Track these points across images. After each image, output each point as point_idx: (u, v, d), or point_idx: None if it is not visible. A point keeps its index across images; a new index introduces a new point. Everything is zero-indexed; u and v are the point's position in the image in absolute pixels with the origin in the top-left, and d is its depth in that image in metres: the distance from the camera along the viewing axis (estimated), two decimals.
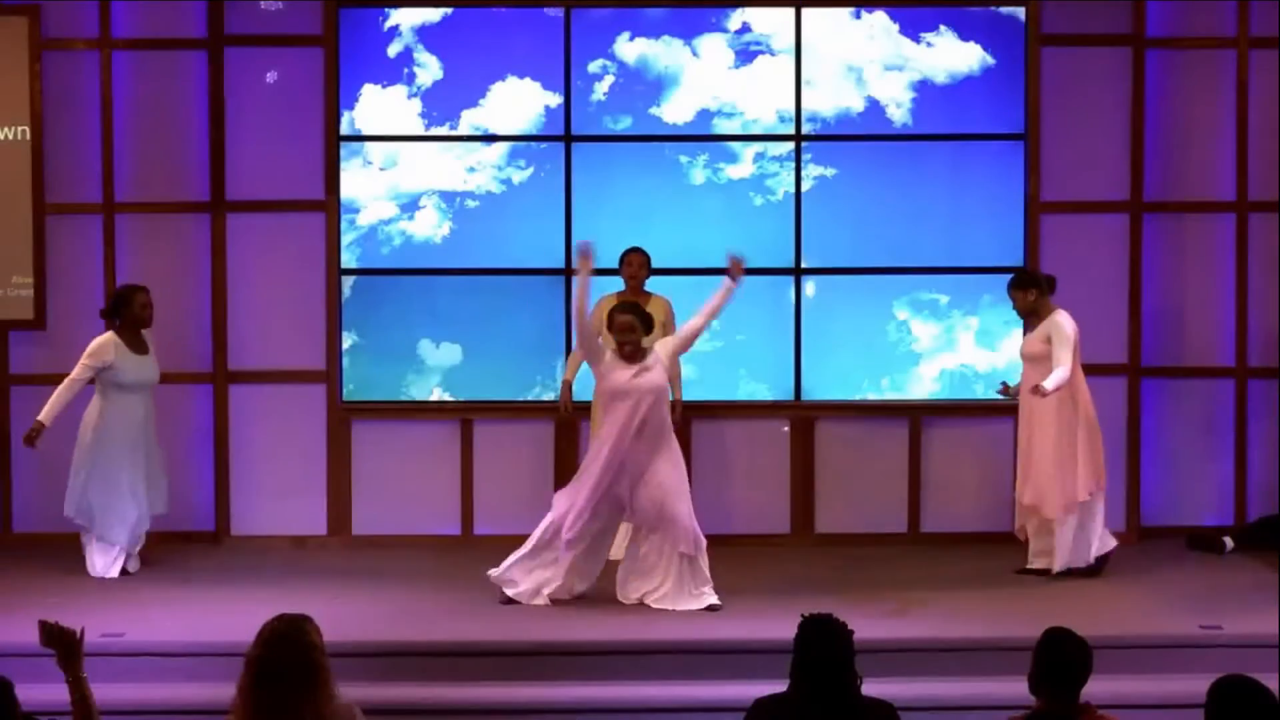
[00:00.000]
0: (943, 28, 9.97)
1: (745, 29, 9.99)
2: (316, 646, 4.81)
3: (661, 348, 8.25)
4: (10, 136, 9.86)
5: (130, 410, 8.97)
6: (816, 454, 10.00)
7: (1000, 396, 9.15)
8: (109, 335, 8.95)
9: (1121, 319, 9.89)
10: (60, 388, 8.88)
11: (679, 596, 8.03)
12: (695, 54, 9.99)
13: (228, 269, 9.91)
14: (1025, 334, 8.95)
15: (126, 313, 8.98)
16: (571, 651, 7.27)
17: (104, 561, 8.90)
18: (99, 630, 6.97)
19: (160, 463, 9.21)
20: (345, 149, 9.96)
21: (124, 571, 8.96)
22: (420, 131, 9.98)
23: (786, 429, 8.97)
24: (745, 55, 9.99)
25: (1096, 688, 5.05)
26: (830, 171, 10.01)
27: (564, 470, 9.49)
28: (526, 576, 8.15)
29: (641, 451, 8.06)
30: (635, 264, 9.44)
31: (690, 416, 9.65)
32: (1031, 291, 8.82)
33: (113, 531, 8.89)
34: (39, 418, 8.82)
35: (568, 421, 9.75)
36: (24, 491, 9.88)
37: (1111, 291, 9.93)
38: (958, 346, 10.03)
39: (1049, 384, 8.48)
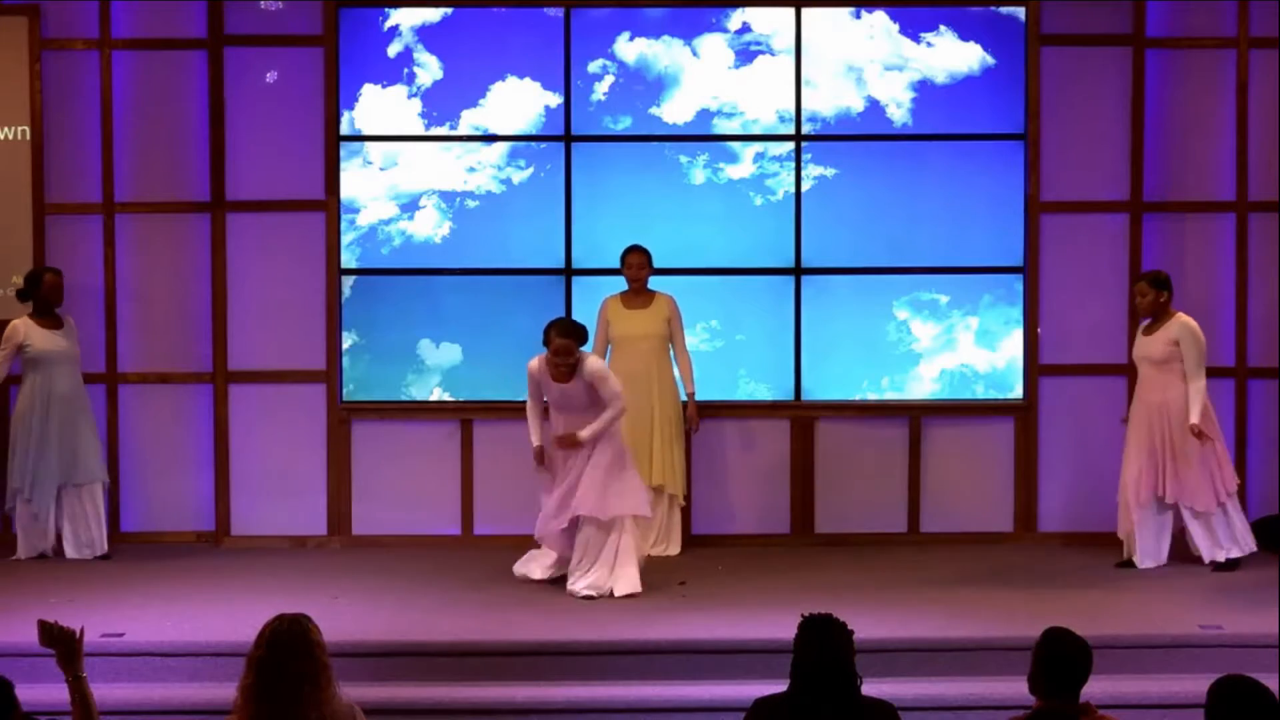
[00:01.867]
0: (943, 28, 9.97)
1: (745, 29, 9.99)
2: (318, 646, 4.82)
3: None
4: (10, 136, 9.85)
5: (49, 383, 9.31)
6: (816, 454, 9.99)
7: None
8: (21, 317, 9.35)
9: (1121, 320, 9.88)
10: None
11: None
12: (695, 54, 9.99)
13: (228, 269, 9.91)
14: (1143, 334, 8.97)
15: (37, 292, 9.34)
16: (571, 651, 7.26)
17: (31, 540, 9.29)
18: (99, 630, 6.99)
19: (92, 431, 9.43)
20: (345, 149, 9.96)
21: (59, 551, 9.33)
22: (420, 131, 9.98)
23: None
24: (745, 55, 9.99)
25: (1096, 688, 5.06)
26: (830, 171, 10.01)
27: None
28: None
29: None
30: (635, 264, 9.48)
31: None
32: (1164, 293, 8.91)
33: (40, 500, 9.25)
34: None
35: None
36: None
37: (1111, 292, 9.93)
38: (958, 346, 10.03)
39: (1198, 418, 8.65)
